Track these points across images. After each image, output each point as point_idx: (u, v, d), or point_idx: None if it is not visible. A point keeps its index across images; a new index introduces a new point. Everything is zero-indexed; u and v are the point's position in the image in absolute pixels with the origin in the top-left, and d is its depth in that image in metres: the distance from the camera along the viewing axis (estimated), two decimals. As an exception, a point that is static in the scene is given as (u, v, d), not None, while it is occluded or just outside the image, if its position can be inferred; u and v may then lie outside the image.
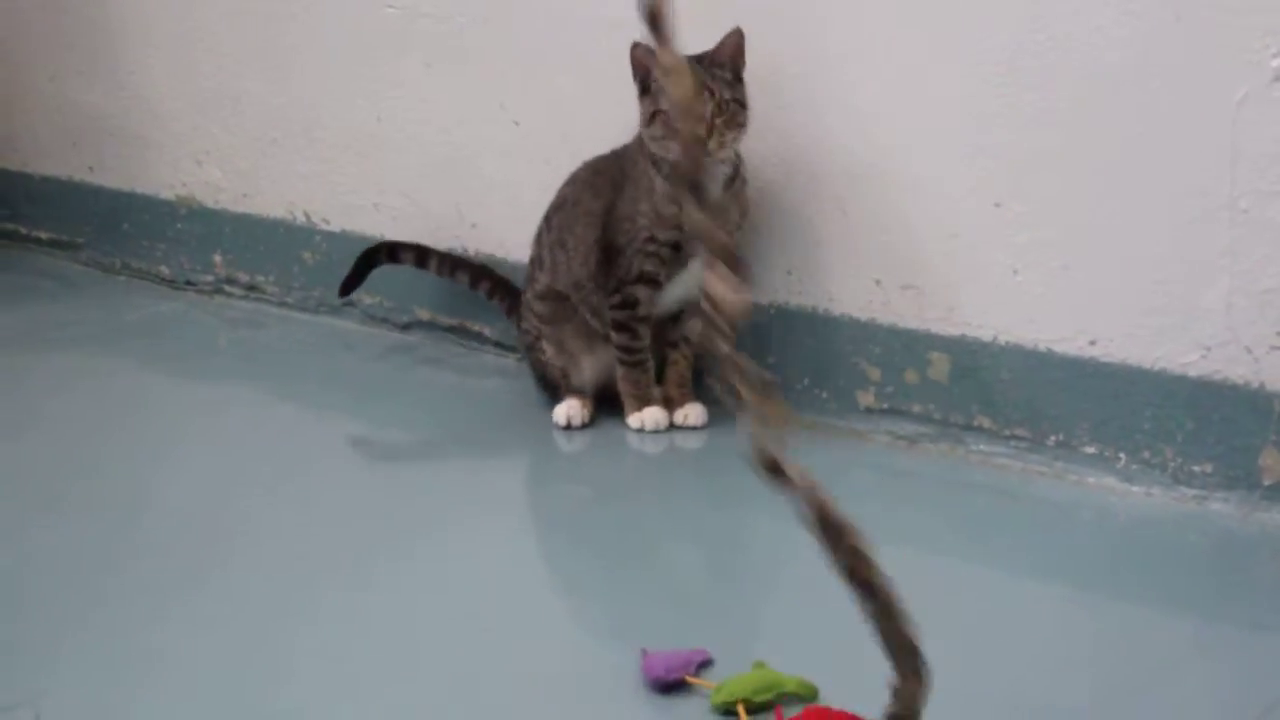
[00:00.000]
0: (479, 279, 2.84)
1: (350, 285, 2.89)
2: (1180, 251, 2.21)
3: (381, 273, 3.01)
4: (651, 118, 2.44)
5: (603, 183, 2.57)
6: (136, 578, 2.08)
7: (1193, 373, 2.24)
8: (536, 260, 2.63)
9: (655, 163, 2.47)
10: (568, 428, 2.55)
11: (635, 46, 2.40)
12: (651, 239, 2.49)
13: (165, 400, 2.78)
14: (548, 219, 2.62)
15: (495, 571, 2.13)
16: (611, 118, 2.59)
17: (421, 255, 2.88)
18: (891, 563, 2.04)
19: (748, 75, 2.42)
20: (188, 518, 2.27)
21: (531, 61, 2.76)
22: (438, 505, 2.33)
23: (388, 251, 2.89)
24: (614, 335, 2.54)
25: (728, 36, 2.39)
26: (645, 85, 2.45)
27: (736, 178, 2.46)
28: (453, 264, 2.86)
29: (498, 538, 2.25)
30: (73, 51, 3.42)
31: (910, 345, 2.45)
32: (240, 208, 3.23)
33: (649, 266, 2.50)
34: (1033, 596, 2.02)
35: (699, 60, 2.37)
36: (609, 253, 2.53)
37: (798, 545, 2.07)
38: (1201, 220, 2.18)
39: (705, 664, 1.82)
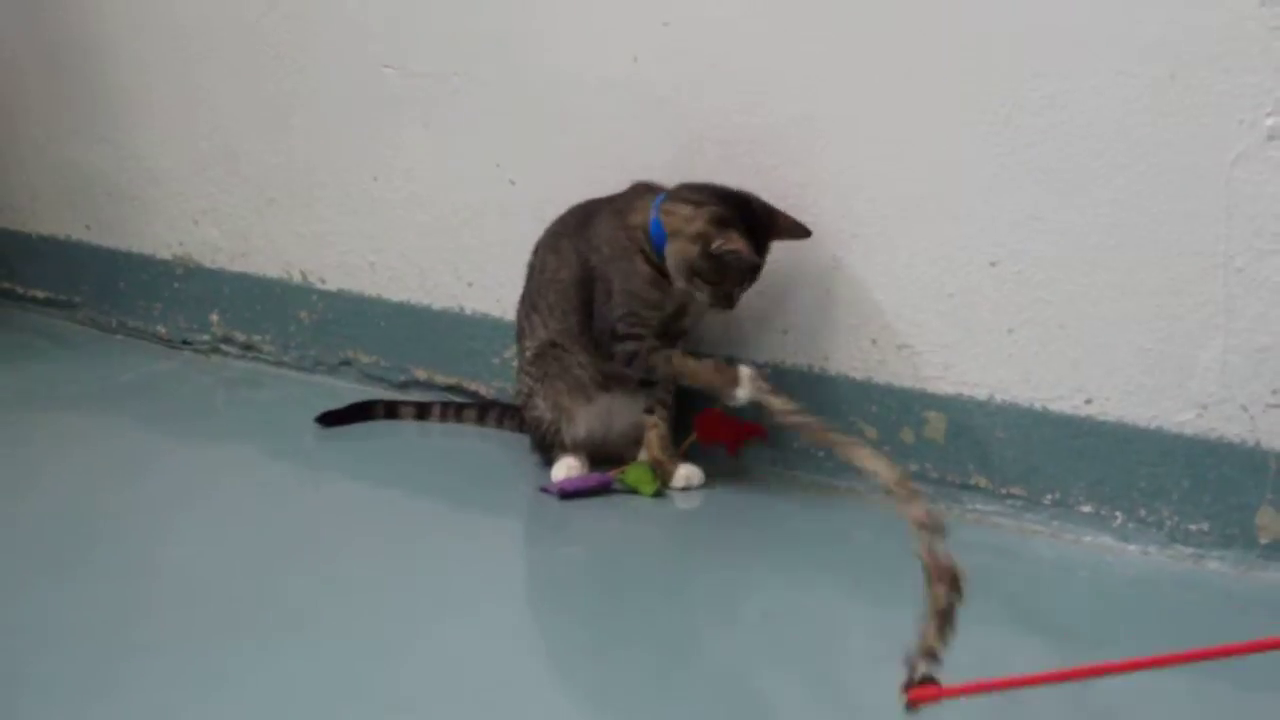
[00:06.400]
0: (485, 413, 2.85)
1: (332, 420, 2.87)
2: (1176, 310, 2.21)
3: (379, 330, 3.02)
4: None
5: (566, 247, 2.57)
6: (136, 640, 2.06)
7: (1189, 431, 2.24)
8: (519, 331, 2.64)
9: (645, 254, 2.46)
10: (565, 486, 2.54)
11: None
12: (632, 314, 2.49)
13: (161, 461, 2.76)
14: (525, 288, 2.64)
15: (486, 632, 2.11)
16: (605, 176, 2.59)
17: (422, 409, 2.88)
18: (887, 623, 2.05)
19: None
20: (183, 580, 2.26)
21: (527, 121, 2.77)
22: (434, 564, 2.31)
23: (385, 409, 2.89)
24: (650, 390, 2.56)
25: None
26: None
27: None
28: (457, 409, 2.86)
29: (493, 600, 2.24)
30: (70, 111, 3.42)
31: (906, 404, 2.45)
32: (237, 267, 3.23)
33: (631, 338, 2.49)
34: (1028, 656, 2.01)
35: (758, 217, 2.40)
36: (589, 316, 2.54)
37: (794, 603, 2.08)
38: (1197, 279, 2.19)
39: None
